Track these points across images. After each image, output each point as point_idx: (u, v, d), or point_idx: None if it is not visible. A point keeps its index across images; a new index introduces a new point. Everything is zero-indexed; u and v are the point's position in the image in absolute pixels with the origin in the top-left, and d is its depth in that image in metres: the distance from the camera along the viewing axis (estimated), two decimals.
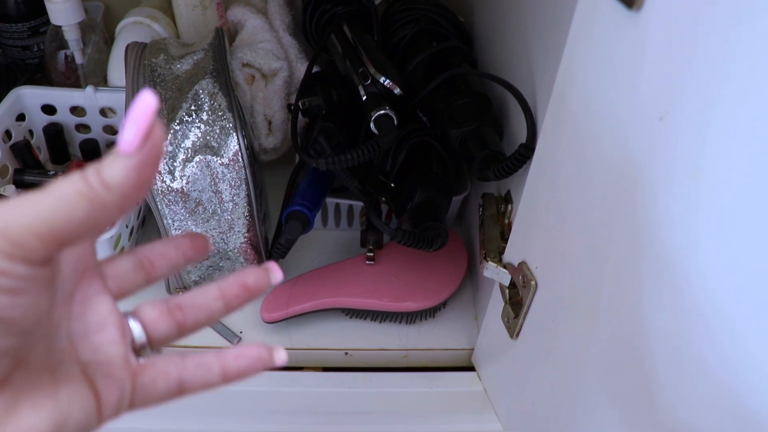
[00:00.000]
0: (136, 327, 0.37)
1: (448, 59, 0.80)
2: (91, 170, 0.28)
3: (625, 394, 0.48)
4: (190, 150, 0.68)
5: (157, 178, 0.67)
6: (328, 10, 0.84)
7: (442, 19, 0.83)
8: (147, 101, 0.28)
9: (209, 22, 0.89)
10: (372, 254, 0.80)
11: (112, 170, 0.28)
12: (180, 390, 0.36)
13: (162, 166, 0.67)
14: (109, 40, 0.96)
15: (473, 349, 0.79)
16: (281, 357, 0.39)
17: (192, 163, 0.67)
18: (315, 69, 0.84)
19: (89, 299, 0.36)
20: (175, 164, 0.67)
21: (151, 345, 0.37)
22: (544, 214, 0.57)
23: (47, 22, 0.99)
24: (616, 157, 0.45)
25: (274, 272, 0.40)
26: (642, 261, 0.43)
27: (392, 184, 0.76)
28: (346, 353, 0.78)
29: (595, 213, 0.48)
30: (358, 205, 0.87)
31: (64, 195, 0.28)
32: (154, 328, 0.37)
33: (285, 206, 0.80)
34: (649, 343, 0.43)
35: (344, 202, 0.86)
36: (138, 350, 0.37)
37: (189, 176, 0.68)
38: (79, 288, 0.35)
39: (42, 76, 0.99)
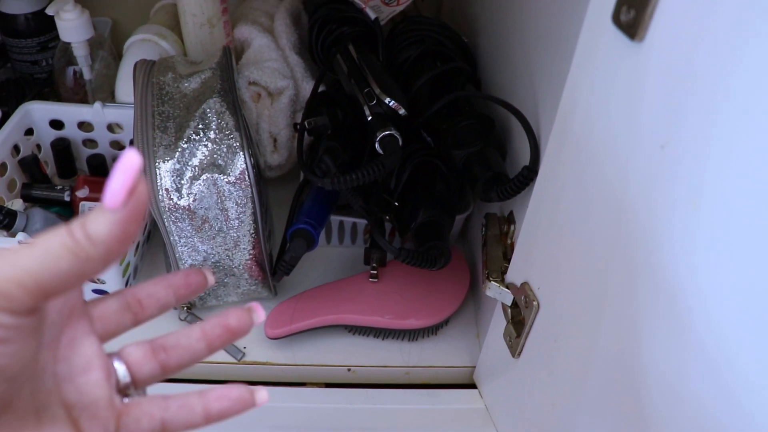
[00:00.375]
0: (120, 368, 0.37)
1: (452, 80, 0.81)
2: (77, 224, 0.30)
3: (622, 422, 0.49)
4: (197, 168, 0.68)
5: (164, 195, 0.68)
6: (334, 30, 0.85)
7: (447, 39, 0.84)
8: (132, 159, 0.30)
9: (216, 41, 0.90)
10: (375, 272, 0.81)
11: (97, 225, 0.29)
12: (163, 430, 0.37)
13: (169, 183, 0.68)
14: (117, 56, 0.98)
15: (475, 367, 0.80)
16: (262, 397, 0.40)
17: (199, 181, 0.68)
18: (321, 88, 0.85)
19: (75, 341, 0.36)
20: (182, 182, 0.68)
21: (136, 385, 0.38)
22: (546, 235, 0.58)
23: (56, 37, 1.00)
24: (616, 183, 0.46)
25: (257, 312, 0.41)
26: (640, 288, 0.44)
27: (396, 203, 0.77)
28: (349, 370, 0.79)
29: (595, 237, 0.49)
30: (361, 222, 0.87)
31: (50, 248, 0.29)
32: (139, 368, 0.38)
33: (289, 224, 0.81)
34: (646, 371, 0.44)
35: (348, 220, 0.87)
36: (123, 390, 0.37)
37: (196, 194, 0.68)
38: (66, 331, 0.36)
39: (50, 91, 1.00)
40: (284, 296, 0.82)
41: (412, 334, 0.80)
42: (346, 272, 0.88)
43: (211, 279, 0.42)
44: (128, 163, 0.30)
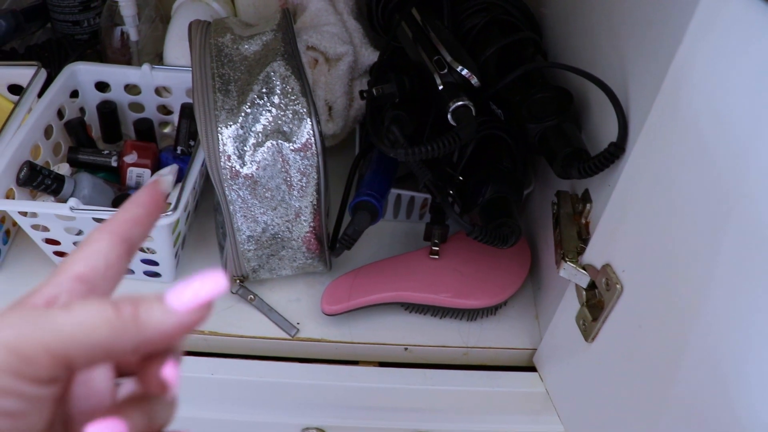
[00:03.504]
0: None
1: (520, 50, 0.77)
2: (127, 303, 0.28)
3: (714, 420, 0.46)
4: (260, 134, 0.65)
5: (226, 161, 0.65)
6: None
7: (514, 8, 0.80)
8: (218, 282, 0.29)
9: (269, 3, 0.87)
10: (437, 248, 0.77)
11: (151, 314, 0.28)
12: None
13: (232, 150, 0.65)
14: (164, 17, 0.94)
15: (535, 349, 0.77)
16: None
17: (263, 148, 0.65)
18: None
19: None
20: (245, 148, 0.65)
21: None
22: (639, 216, 0.55)
23: None
24: (734, 165, 0.42)
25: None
26: (755, 280, 0.41)
27: (460, 177, 0.74)
28: (406, 349, 0.76)
29: (702, 222, 0.46)
30: (419, 196, 0.84)
31: (89, 319, 0.27)
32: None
33: (346, 196, 0.78)
34: (750, 369, 0.41)
35: (405, 194, 0.84)
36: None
37: (260, 161, 0.65)
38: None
39: (92, 52, 0.97)
40: (338, 271, 0.80)
41: (471, 314, 0.78)
42: (399, 247, 0.85)
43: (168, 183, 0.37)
44: (213, 284, 0.29)
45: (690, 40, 0.47)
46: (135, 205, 0.33)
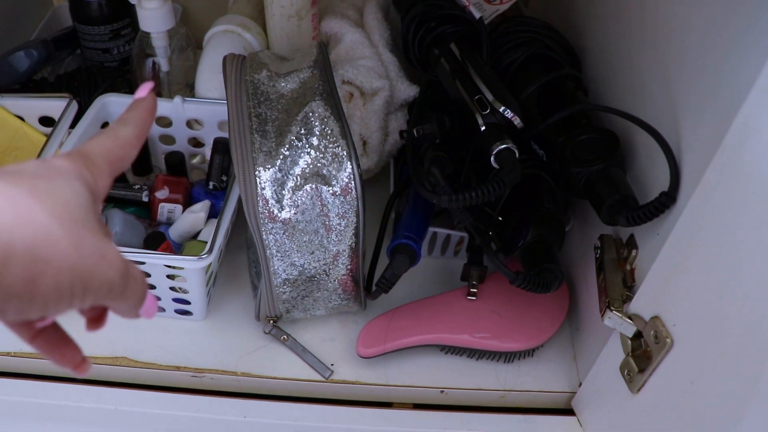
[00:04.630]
0: None
1: (560, 86, 0.75)
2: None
3: None
4: (299, 177, 0.64)
5: (263, 205, 0.63)
6: (433, 28, 0.80)
7: (554, 43, 0.78)
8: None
9: (303, 34, 0.85)
10: (475, 289, 0.76)
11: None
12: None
13: (270, 194, 0.63)
14: (194, 47, 0.93)
15: (573, 393, 0.75)
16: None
17: (301, 192, 0.64)
18: (415, 89, 0.80)
19: None
20: (283, 192, 0.64)
21: None
22: (694, 272, 0.53)
23: (128, 25, 0.96)
24: None
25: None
26: None
27: (499, 218, 0.72)
28: (442, 391, 0.75)
29: None
30: (456, 234, 0.82)
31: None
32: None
33: (382, 234, 0.77)
34: None
35: (442, 231, 0.82)
36: None
37: (298, 206, 0.64)
38: None
39: (122, 81, 0.96)
40: (372, 309, 0.78)
41: (508, 356, 0.76)
42: (433, 285, 0.83)
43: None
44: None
45: (757, 94, 0.45)
46: (146, 112, 0.43)
